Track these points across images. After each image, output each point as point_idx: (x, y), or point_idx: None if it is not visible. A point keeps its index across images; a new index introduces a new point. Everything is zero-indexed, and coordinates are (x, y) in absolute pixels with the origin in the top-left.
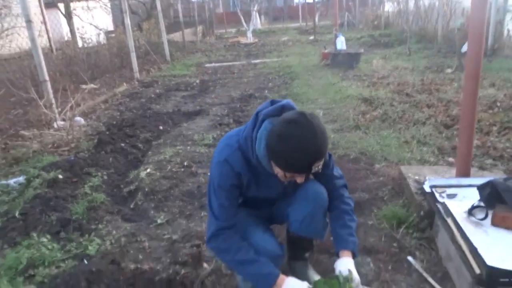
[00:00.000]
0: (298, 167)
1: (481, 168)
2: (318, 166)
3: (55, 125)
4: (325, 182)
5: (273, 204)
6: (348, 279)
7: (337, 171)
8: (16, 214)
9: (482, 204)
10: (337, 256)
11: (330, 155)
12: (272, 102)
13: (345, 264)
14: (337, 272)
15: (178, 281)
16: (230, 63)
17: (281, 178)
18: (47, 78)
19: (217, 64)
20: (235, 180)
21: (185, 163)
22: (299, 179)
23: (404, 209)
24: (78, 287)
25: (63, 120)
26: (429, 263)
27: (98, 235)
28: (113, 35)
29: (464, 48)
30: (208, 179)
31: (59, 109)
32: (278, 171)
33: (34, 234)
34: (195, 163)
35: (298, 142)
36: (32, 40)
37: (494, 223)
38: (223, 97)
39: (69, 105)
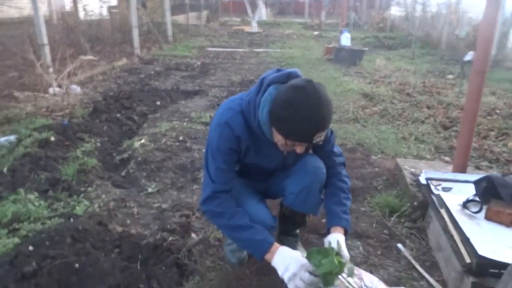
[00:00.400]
0: (301, 136)
1: (477, 168)
2: (320, 137)
3: (50, 91)
4: (324, 158)
5: (269, 176)
6: (339, 252)
7: (337, 149)
8: (4, 170)
9: (477, 198)
10: (328, 232)
11: (331, 132)
12: (278, 70)
13: (336, 239)
14: (326, 245)
15: (164, 247)
16: (233, 49)
17: (281, 147)
18: (46, 42)
19: (219, 49)
20: (234, 143)
21: (180, 138)
22: (299, 149)
23: (397, 199)
24: (63, 243)
25: (59, 86)
26: (419, 251)
27: (87, 197)
28: (116, 10)
29: (467, 57)
30: (206, 141)
31: (56, 76)
32: (279, 138)
33: (22, 190)
34: (190, 139)
35: (304, 109)
36: (33, 0)
37: (488, 217)
38: (223, 80)
39: (67, 70)
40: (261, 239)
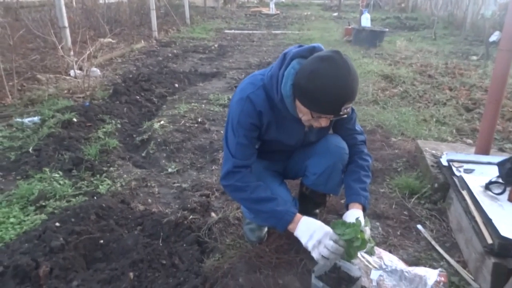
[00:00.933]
0: (329, 108)
1: (501, 150)
2: (347, 109)
3: (71, 73)
4: (345, 136)
5: (289, 155)
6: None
7: (358, 127)
8: (30, 150)
9: (500, 180)
10: (347, 208)
11: (353, 109)
12: (300, 46)
13: (355, 215)
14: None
15: (185, 225)
16: (250, 32)
17: (305, 122)
18: (66, 24)
19: (237, 31)
20: (256, 119)
21: (199, 120)
22: (324, 122)
23: (417, 181)
24: (88, 220)
25: (80, 68)
26: (439, 233)
27: (109, 177)
28: None
29: (493, 37)
30: (227, 116)
31: (76, 59)
32: (304, 112)
33: (47, 169)
34: (209, 121)
35: (332, 79)
36: None
37: None
38: (241, 63)
39: (87, 53)
40: (284, 210)
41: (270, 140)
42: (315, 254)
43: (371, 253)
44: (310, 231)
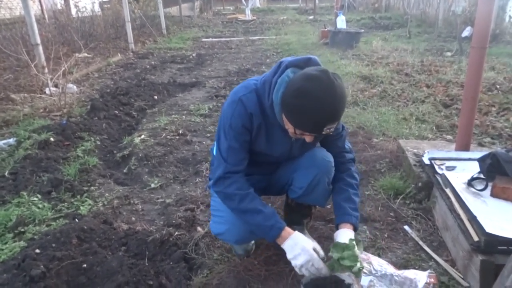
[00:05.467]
0: (310, 127)
1: (480, 145)
2: (330, 129)
3: (47, 91)
4: (334, 153)
5: (273, 171)
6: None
7: (347, 145)
8: (6, 174)
9: (482, 176)
10: (337, 228)
11: (343, 127)
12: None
13: (346, 235)
14: (336, 239)
15: (171, 242)
16: (228, 39)
17: (291, 134)
18: (39, 41)
19: (214, 39)
20: (247, 121)
21: (180, 131)
22: (308, 138)
23: (401, 181)
24: (69, 244)
25: (55, 86)
26: (425, 232)
27: (90, 197)
28: (108, 5)
29: (465, 33)
30: (219, 120)
31: (51, 76)
32: (289, 126)
33: (24, 193)
34: (190, 132)
35: (314, 101)
36: (23, 0)
37: (494, 194)
38: (220, 71)
39: (62, 69)
40: (270, 225)
41: (257, 151)
42: (299, 272)
43: (358, 275)
44: (295, 252)
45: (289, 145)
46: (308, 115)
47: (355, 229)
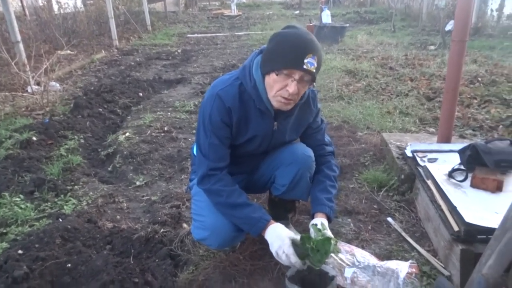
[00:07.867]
0: (292, 60)
1: (461, 137)
2: (311, 64)
3: (28, 89)
4: (314, 147)
5: (254, 169)
6: (321, 229)
7: (327, 138)
8: None
9: (462, 167)
10: (312, 217)
11: (322, 120)
12: None
13: (320, 221)
14: (311, 230)
15: (156, 239)
16: (213, 34)
17: (276, 98)
18: (19, 39)
19: (200, 35)
20: (226, 116)
21: (165, 128)
22: (292, 88)
23: (385, 174)
24: (53, 244)
25: (37, 84)
26: (408, 223)
27: (74, 196)
28: (91, 1)
29: (448, 26)
30: (198, 117)
31: (33, 74)
32: (272, 81)
33: (6, 194)
34: (176, 129)
35: (290, 35)
36: None
37: (474, 185)
38: (206, 67)
39: (44, 67)
40: (258, 217)
41: (241, 143)
42: (277, 259)
43: (336, 250)
44: (272, 239)
45: (271, 132)
46: (287, 48)
47: (329, 219)
